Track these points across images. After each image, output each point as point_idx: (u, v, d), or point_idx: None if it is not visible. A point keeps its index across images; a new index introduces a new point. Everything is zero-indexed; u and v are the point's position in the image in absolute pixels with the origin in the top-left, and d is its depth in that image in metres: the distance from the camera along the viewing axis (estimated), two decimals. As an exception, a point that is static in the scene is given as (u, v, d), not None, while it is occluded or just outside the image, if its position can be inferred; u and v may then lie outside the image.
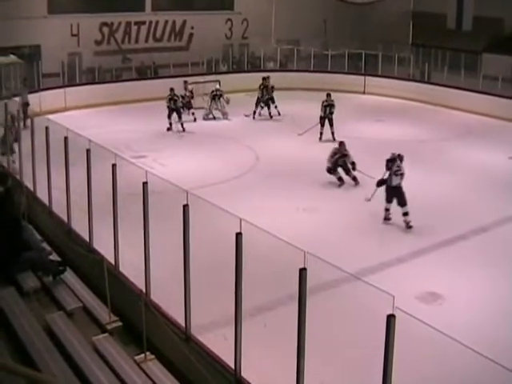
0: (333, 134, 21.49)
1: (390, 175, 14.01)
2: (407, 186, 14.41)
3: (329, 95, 21.82)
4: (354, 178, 16.82)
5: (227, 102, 24.96)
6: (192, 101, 24.46)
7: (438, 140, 21.79)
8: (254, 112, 24.76)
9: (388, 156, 14.32)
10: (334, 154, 16.61)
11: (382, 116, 25.31)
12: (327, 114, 21.57)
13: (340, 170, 16.79)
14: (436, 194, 15.91)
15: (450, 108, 26.17)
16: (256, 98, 24.93)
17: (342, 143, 16.84)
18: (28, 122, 15.51)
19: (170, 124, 22.45)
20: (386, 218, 14.16)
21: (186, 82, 25.13)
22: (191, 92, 24.57)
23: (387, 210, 14.11)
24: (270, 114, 24.66)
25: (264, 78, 25.08)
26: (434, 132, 22.98)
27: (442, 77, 28.38)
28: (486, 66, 28.83)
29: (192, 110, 24.20)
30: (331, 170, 16.67)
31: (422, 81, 29.23)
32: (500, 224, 14.09)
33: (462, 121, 24.49)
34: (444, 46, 31.34)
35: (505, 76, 26.19)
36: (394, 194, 13.96)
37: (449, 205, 14.98)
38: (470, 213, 14.65)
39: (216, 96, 24.87)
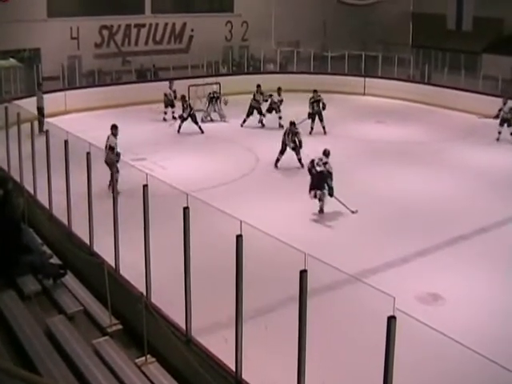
0: (323, 128, 22.16)
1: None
2: (409, 187, 14.38)
3: (315, 91, 22.55)
4: (300, 160, 17.89)
5: (225, 103, 24.83)
6: (174, 101, 24.25)
7: (439, 141, 21.77)
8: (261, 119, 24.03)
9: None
10: (286, 133, 18.24)
11: (382, 117, 25.29)
12: (315, 110, 22.18)
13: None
14: (437, 195, 15.88)
15: (451, 109, 26.12)
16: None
17: (292, 123, 18.20)
18: (43, 127, 15.42)
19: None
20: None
21: (171, 81, 25.13)
22: (174, 92, 24.29)
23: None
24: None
25: (258, 86, 24.23)
26: (434, 133, 22.97)
27: (442, 78, 28.36)
28: (486, 66, 28.80)
29: (173, 109, 24.16)
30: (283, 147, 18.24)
31: (422, 82, 29.15)
32: (501, 225, 14.05)
33: (463, 122, 24.47)
34: (444, 47, 31.33)
35: (505, 77, 26.19)
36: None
37: (450, 206, 14.97)
38: (471, 214, 14.63)
39: (213, 98, 24.82)
